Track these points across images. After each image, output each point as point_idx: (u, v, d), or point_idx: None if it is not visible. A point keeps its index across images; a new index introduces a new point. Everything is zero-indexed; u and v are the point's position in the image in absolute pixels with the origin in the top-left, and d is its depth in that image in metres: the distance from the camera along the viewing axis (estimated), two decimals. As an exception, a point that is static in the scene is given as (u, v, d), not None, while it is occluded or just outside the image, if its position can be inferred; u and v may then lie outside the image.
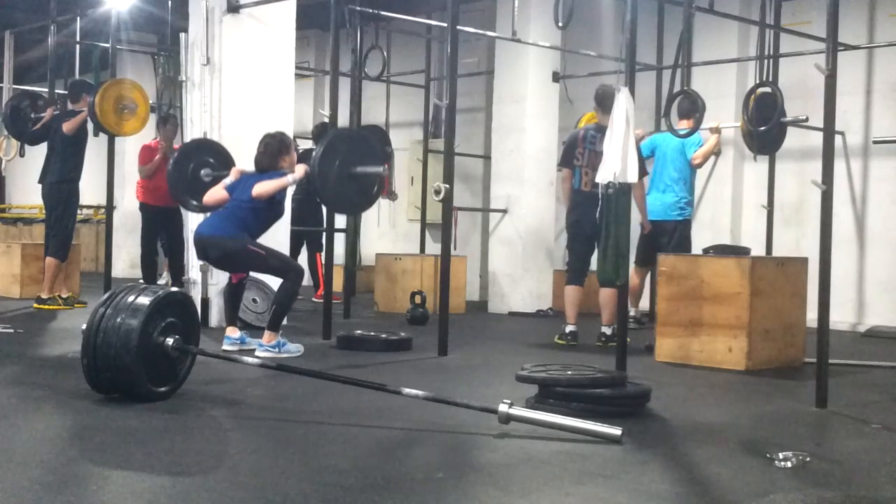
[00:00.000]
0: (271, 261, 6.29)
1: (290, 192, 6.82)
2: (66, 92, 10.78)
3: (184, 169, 7.04)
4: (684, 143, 7.59)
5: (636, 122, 5.84)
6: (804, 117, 7.79)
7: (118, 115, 8.50)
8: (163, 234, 9.34)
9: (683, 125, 7.36)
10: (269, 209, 6.30)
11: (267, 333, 6.19)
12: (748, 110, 7.69)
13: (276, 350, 6.12)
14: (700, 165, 7.78)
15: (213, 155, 7.15)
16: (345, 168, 6.20)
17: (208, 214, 6.42)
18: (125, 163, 11.05)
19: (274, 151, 6.35)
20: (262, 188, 6.14)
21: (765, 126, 7.50)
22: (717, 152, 8.75)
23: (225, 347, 6.20)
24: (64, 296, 8.98)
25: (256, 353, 6.03)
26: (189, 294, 6.26)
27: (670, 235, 7.73)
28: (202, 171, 7.03)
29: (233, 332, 6.32)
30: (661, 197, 7.74)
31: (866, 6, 9.19)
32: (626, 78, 5.76)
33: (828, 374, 4.87)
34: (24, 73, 12.42)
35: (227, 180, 6.41)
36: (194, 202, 7.05)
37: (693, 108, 7.28)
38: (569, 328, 7.36)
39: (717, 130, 7.62)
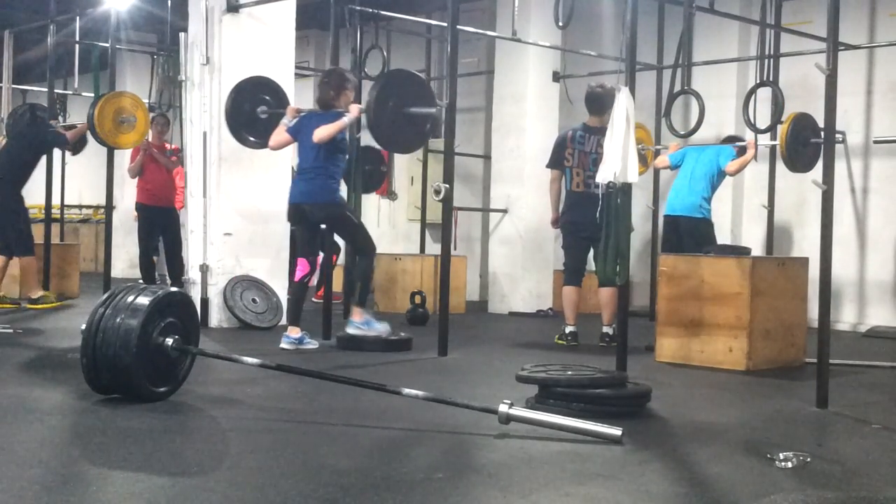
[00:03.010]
0: (358, 231, 6.64)
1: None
2: (65, 92, 10.81)
3: (241, 106, 7.25)
4: (719, 152, 7.81)
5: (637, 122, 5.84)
6: (840, 137, 8.00)
7: (116, 128, 8.49)
8: (159, 233, 9.33)
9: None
10: (336, 151, 6.50)
11: (356, 310, 6.58)
12: (748, 111, 7.70)
13: (367, 327, 6.52)
14: (734, 174, 7.97)
15: (268, 92, 7.35)
16: (398, 108, 6.27)
17: (295, 179, 6.72)
18: (124, 163, 11.03)
19: (335, 85, 6.55)
20: (321, 133, 6.35)
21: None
22: None
23: (283, 346, 6.41)
24: (34, 296, 8.88)
25: (347, 330, 6.56)
26: (189, 294, 6.27)
27: (690, 233, 7.77)
28: (258, 109, 7.24)
29: (293, 332, 6.48)
30: (685, 196, 7.78)
31: (867, 6, 9.19)
32: (626, 78, 5.75)
33: (828, 374, 4.87)
34: (23, 72, 12.42)
35: (285, 121, 6.66)
36: (252, 138, 7.29)
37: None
38: (568, 329, 7.35)
39: (753, 146, 7.71)
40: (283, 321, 7.96)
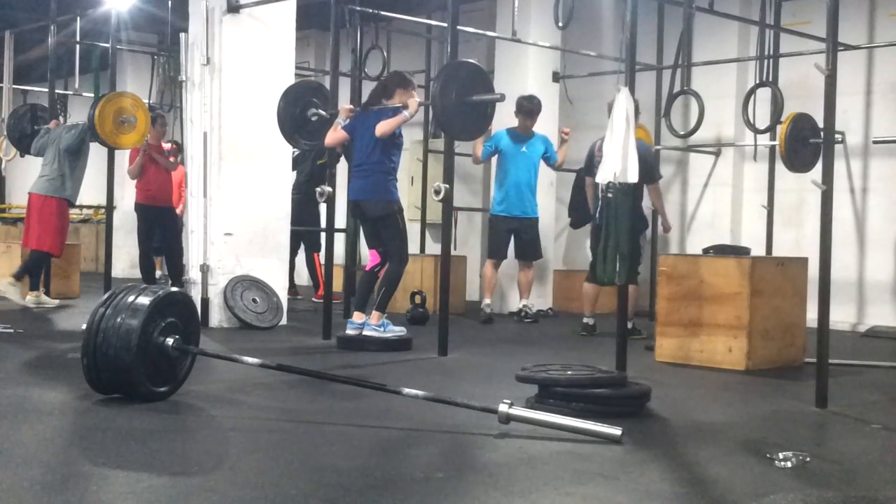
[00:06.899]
0: (398, 238, 6.74)
1: (290, 191, 6.91)
2: (66, 92, 10.81)
3: (292, 110, 7.34)
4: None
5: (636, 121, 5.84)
6: (839, 137, 8.15)
7: (117, 128, 8.49)
8: (158, 233, 9.33)
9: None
10: (392, 146, 6.69)
11: (374, 314, 6.65)
12: (747, 111, 7.71)
13: (382, 329, 6.64)
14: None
15: (316, 95, 7.46)
16: (461, 97, 6.33)
17: (352, 176, 6.90)
18: (125, 163, 11.06)
19: (391, 84, 6.77)
20: (384, 127, 6.54)
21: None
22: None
23: (347, 332, 6.69)
24: None
25: (364, 332, 6.62)
26: (189, 294, 6.27)
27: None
28: (309, 112, 7.31)
29: (358, 318, 6.70)
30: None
31: (866, 6, 9.18)
32: (626, 78, 5.75)
33: (828, 374, 4.87)
34: (24, 73, 12.42)
35: (340, 120, 6.81)
36: (304, 141, 7.48)
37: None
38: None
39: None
40: (284, 321, 8.00)
